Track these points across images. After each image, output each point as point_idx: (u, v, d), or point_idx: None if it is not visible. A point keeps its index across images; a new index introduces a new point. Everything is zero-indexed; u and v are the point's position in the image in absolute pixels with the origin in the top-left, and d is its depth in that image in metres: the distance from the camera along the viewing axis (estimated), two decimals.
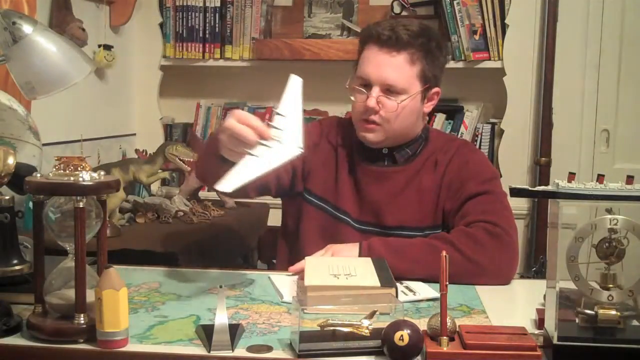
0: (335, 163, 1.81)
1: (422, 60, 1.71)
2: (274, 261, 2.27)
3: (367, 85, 1.71)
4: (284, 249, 1.92)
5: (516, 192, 1.16)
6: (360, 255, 1.61)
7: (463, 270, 1.55)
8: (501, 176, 2.83)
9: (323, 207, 1.80)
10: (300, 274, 1.54)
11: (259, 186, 1.73)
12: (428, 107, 1.78)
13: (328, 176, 1.81)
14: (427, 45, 1.71)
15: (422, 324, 1.20)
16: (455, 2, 2.86)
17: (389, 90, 1.69)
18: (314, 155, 1.80)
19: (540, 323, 1.24)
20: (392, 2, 3.05)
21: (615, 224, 1.08)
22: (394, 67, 1.69)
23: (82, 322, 1.17)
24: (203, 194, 2.83)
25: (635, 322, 1.19)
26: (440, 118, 2.96)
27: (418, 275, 1.56)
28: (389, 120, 1.71)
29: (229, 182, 1.35)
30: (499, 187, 1.75)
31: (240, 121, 1.37)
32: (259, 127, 1.37)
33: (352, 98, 1.75)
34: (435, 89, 1.77)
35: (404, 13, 3.05)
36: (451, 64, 2.91)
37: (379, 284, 1.39)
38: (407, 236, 1.68)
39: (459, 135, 2.90)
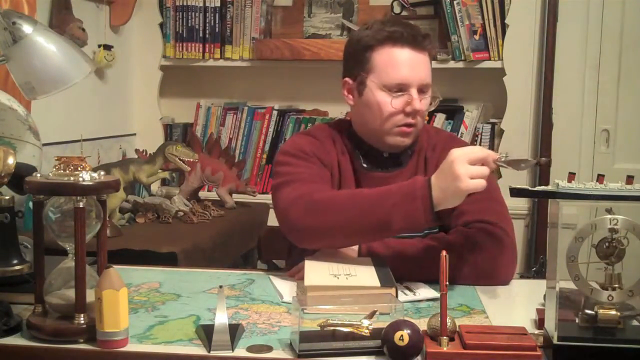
0: (339, 173, 1.75)
1: (431, 58, 1.73)
2: (274, 261, 2.27)
3: (401, 89, 1.66)
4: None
5: (516, 192, 1.16)
6: (359, 255, 1.60)
7: (463, 273, 1.55)
8: (501, 176, 2.86)
9: None
10: (300, 273, 1.54)
11: None
12: None
13: (333, 187, 1.74)
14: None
15: (422, 324, 1.20)
16: (455, 2, 2.86)
17: (422, 90, 1.67)
18: (327, 166, 1.74)
19: (540, 323, 1.24)
20: (392, 2, 3.04)
21: (615, 224, 1.08)
22: (425, 66, 1.68)
23: (82, 322, 1.17)
24: (203, 194, 2.84)
25: (635, 322, 1.19)
26: (440, 118, 2.96)
27: (417, 276, 1.56)
28: (422, 119, 1.70)
29: None
30: (492, 181, 1.74)
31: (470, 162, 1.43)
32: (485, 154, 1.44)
33: (383, 106, 1.67)
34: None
35: (404, 13, 3.05)
36: (451, 64, 2.91)
37: (379, 284, 1.39)
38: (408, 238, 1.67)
39: (459, 136, 2.90)
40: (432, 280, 1.51)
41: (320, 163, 1.72)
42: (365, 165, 1.75)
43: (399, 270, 1.53)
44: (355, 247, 1.61)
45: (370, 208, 1.50)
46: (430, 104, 1.72)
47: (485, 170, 1.42)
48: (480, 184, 1.42)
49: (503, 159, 1.43)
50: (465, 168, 1.41)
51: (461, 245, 1.57)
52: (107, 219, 1.41)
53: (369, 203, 1.51)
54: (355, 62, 1.73)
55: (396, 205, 1.48)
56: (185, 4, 3.09)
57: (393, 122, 1.68)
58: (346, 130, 1.79)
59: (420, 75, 1.66)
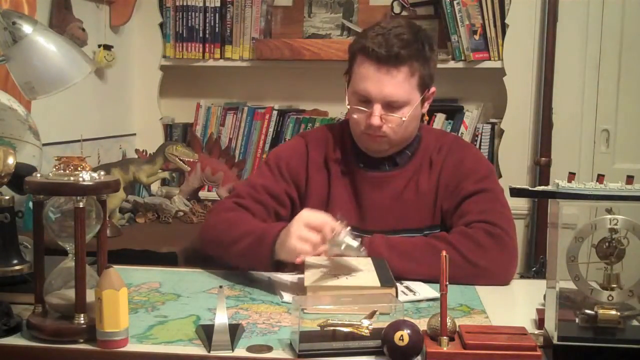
0: (328, 177, 1.78)
1: (420, 68, 1.68)
2: None
3: (367, 100, 1.68)
4: None
5: (516, 192, 1.16)
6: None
7: (463, 272, 1.55)
8: (501, 176, 2.86)
9: None
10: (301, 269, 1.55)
11: None
12: (425, 107, 1.78)
13: (321, 191, 1.78)
14: (422, 52, 1.68)
15: (422, 324, 1.20)
16: (455, 2, 2.86)
17: (391, 105, 1.67)
18: (303, 177, 1.79)
19: (540, 323, 1.25)
20: (392, 2, 3.04)
21: (615, 224, 1.08)
22: (395, 84, 1.65)
23: (82, 322, 1.17)
24: (203, 194, 2.84)
25: (635, 322, 1.19)
26: (440, 118, 2.96)
27: (418, 274, 1.56)
28: (393, 132, 1.69)
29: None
30: (495, 184, 1.75)
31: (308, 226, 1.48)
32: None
33: (351, 112, 1.71)
34: (432, 89, 1.75)
35: (404, 13, 3.04)
36: (451, 64, 2.91)
37: (379, 284, 1.39)
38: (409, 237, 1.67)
39: (459, 136, 2.90)
40: (432, 279, 1.51)
41: (290, 177, 1.78)
42: (361, 165, 1.76)
43: (399, 269, 1.54)
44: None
45: (238, 240, 1.60)
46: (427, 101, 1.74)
47: (314, 238, 1.47)
48: (303, 248, 1.47)
49: (340, 237, 1.47)
50: (298, 228, 1.48)
51: (462, 246, 1.57)
52: (107, 219, 1.41)
53: (238, 235, 1.61)
54: (348, 63, 1.77)
55: (251, 245, 1.57)
56: (185, 4, 3.08)
57: (358, 130, 1.73)
58: (347, 131, 1.80)
59: (384, 92, 1.66)
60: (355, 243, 1.47)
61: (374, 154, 1.75)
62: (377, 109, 1.66)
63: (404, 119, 1.67)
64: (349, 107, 1.73)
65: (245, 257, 1.60)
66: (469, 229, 1.62)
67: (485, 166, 1.78)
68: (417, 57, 1.67)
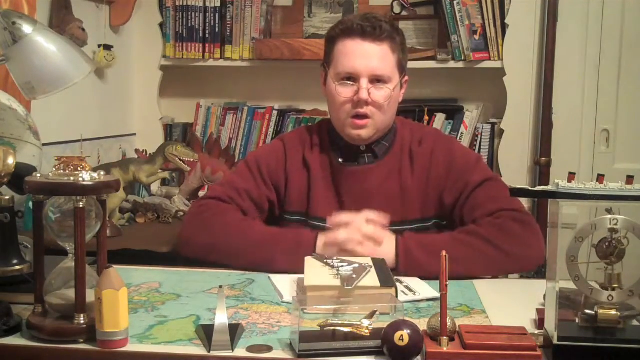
0: (307, 175, 1.79)
1: (398, 49, 1.74)
2: None
3: (352, 79, 1.71)
4: None
5: (516, 192, 1.16)
6: (397, 258, 1.60)
7: (499, 264, 1.57)
8: (501, 176, 2.86)
9: (301, 221, 1.79)
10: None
11: None
12: (401, 96, 1.81)
13: (301, 190, 1.79)
14: (400, 36, 1.76)
15: (422, 324, 1.20)
16: (455, 2, 2.86)
17: (377, 81, 1.70)
18: (282, 178, 1.80)
19: (540, 323, 1.25)
20: (392, 2, 3.04)
21: (615, 224, 1.08)
22: (380, 56, 1.70)
23: (82, 322, 1.17)
24: (203, 194, 2.83)
25: (635, 322, 1.19)
26: (440, 118, 2.96)
27: (456, 273, 1.53)
28: (379, 111, 1.71)
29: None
30: (490, 170, 1.83)
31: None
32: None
33: (335, 95, 1.73)
34: (406, 77, 1.80)
35: (404, 13, 3.05)
36: (451, 64, 2.91)
37: (379, 284, 1.39)
38: (392, 232, 1.66)
39: (459, 136, 2.90)
40: (469, 276, 1.55)
41: (270, 180, 1.80)
42: (340, 160, 1.77)
43: (437, 268, 1.52)
44: (393, 249, 1.61)
45: (258, 245, 1.63)
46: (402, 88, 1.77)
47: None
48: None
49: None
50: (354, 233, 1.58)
51: (496, 238, 1.59)
52: (107, 219, 1.41)
53: (257, 240, 1.63)
54: (324, 55, 1.81)
55: (284, 250, 1.60)
56: (185, 4, 3.08)
57: (344, 112, 1.73)
58: (327, 127, 1.83)
59: (371, 66, 1.70)
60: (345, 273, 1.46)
61: (357, 141, 1.75)
62: (365, 82, 1.69)
63: (390, 88, 1.70)
64: (333, 90, 1.73)
65: (273, 263, 1.61)
66: (497, 220, 1.63)
67: (475, 156, 1.84)
68: (395, 38, 1.73)
